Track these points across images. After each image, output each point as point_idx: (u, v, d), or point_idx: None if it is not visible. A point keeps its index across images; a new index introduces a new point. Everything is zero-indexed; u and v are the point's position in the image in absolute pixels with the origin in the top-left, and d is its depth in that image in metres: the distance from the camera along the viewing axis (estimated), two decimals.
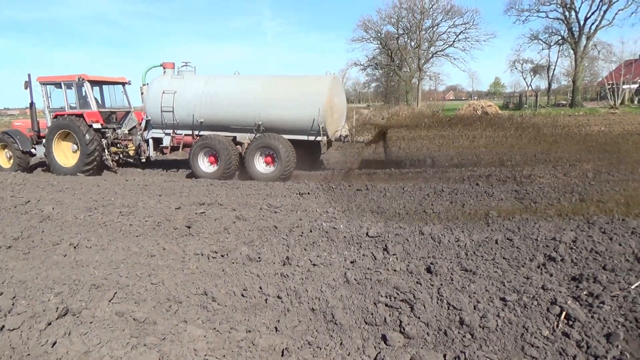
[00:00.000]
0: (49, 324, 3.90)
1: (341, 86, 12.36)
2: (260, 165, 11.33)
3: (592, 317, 3.55)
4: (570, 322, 3.50)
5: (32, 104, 13.29)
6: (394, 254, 5.25)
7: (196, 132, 12.16)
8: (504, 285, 4.21)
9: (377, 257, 5.20)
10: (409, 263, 4.95)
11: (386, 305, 3.96)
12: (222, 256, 5.44)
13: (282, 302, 4.16)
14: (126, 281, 4.79)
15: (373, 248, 5.51)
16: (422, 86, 57.21)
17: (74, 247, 6.00)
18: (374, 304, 4.00)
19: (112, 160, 13.32)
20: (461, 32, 52.07)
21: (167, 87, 12.13)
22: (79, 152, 12.69)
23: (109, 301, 4.32)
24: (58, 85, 13.21)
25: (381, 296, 4.12)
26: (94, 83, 13.22)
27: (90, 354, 3.44)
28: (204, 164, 11.78)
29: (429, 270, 4.71)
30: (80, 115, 12.57)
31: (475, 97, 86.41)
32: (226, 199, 8.69)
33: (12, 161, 13.72)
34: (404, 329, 3.56)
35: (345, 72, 77.96)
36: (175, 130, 12.37)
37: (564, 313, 3.60)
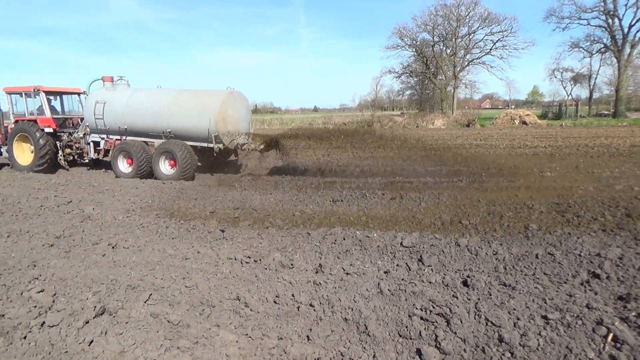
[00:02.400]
0: (87, 322, 3.99)
1: (240, 101, 13.40)
2: (165, 167, 12.83)
3: None
4: (618, 345, 3.32)
5: (0, 111, 15.46)
6: (429, 266, 5.13)
7: (123, 137, 13.75)
8: (546, 303, 4.04)
9: (411, 267, 5.10)
10: (445, 275, 4.83)
11: (421, 318, 3.86)
12: (255, 261, 5.46)
13: (314, 310, 4.12)
14: (161, 283, 4.86)
15: (407, 258, 5.41)
16: (458, 94, 56.31)
17: (112, 248, 6.15)
18: (409, 316, 3.91)
19: (65, 160, 15.03)
20: (498, 39, 51.02)
21: (100, 98, 13.83)
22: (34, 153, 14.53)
23: (144, 302, 4.38)
24: (20, 94, 15.03)
25: (416, 309, 4.02)
26: (51, 93, 15.22)
27: (125, 354, 3.48)
28: (123, 165, 13.41)
29: (465, 283, 4.57)
30: (35, 121, 14.55)
31: (513, 106, 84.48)
32: (259, 204, 8.74)
33: None
34: (439, 344, 3.46)
35: (378, 80, 77.70)
36: (108, 135, 14.05)
37: (611, 335, 3.41)
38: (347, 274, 4.94)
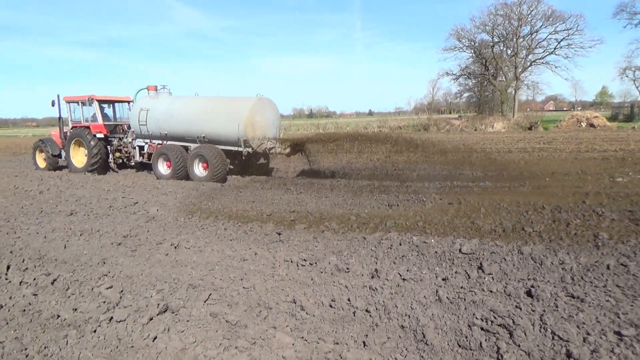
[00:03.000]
0: (151, 319, 4.16)
1: (268, 107, 13.79)
2: (199, 169, 13.48)
3: None
4: None
5: (60, 118, 16.65)
6: (489, 274, 4.95)
7: (164, 142, 14.73)
8: (619, 317, 3.78)
9: (471, 275, 4.93)
10: (507, 284, 4.63)
11: (482, 328, 3.72)
12: (311, 264, 5.48)
13: (370, 316, 4.07)
14: (220, 283, 4.99)
15: (467, 266, 5.24)
16: (519, 96, 54.04)
17: (175, 248, 6.39)
18: (469, 326, 3.77)
19: (115, 163, 16.30)
20: (563, 38, 48.48)
21: (144, 106, 14.90)
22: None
23: (204, 302, 4.51)
24: (77, 103, 16.47)
25: (476, 318, 3.88)
26: (103, 102, 16.61)
27: (186, 351, 3.60)
28: (163, 168, 14.27)
29: (529, 294, 4.36)
30: (88, 127, 15.82)
31: (579, 108, 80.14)
32: (315, 208, 8.79)
33: (45, 162, 17.40)
34: (501, 357, 3.31)
35: (435, 82, 76.12)
36: (151, 140, 15.11)
37: None
38: (404, 279, 4.86)
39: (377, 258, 5.66)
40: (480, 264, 5.18)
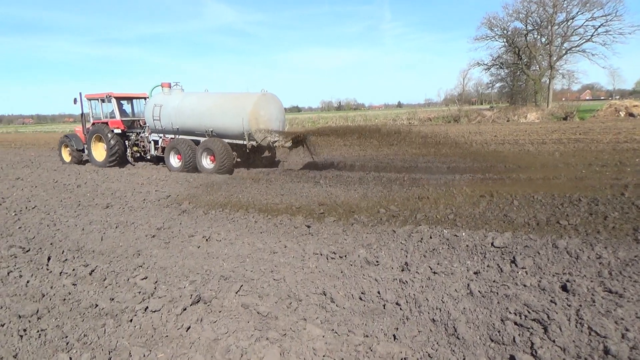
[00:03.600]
0: (184, 309, 4.25)
1: (272, 102, 14.21)
2: (206, 162, 14.22)
3: None
4: None
5: (82, 114, 17.61)
6: (523, 268, 4.85)
7: (176, 136, 15.36)
8: None
9: (503, 269, 4.85)
10: (541, 279, 4.53)
11: (515, 323, 3.65)
12: (341, 257, 5.49)
13: (400, 309, 4.06)
14: (251, 275, 5.06)
15: (499, 259, 5.15)
16: (554, 85, 52.36)
17: (206, 240, 6.51)
18: (501, 320, 3.71)
19: (132, 157, 17.15)
20: (601, 25, 46.47)
21: (157, 102, 15.62)
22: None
23: (236, 293, 4.58)
24: (97, 100, 17.18)
25: (509, 313, 3.81)
26: (121, 98, 17.23)
27: (218, 341, 3.67)
28: (174, 160, 14.97)
29: (564, 288, 4.25)
30: (107, 123, 16.64)
31: (617, 97, 77.14)
32: (344, 201, 8.78)
33: (70, 156, 18.19)
34: (535, 352, 3.25)
35: (466, 73, 74.61)
36: (165, 134, 15.80)
37: None
38: (435, 273, 4.82)
39: (407, 251, 5.62)
40: (514, 257, 5.09)
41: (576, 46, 49.44)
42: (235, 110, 13.70)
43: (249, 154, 14.51)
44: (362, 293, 4.43)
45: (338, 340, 3.60)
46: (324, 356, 3.40)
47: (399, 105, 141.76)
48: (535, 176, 10.35)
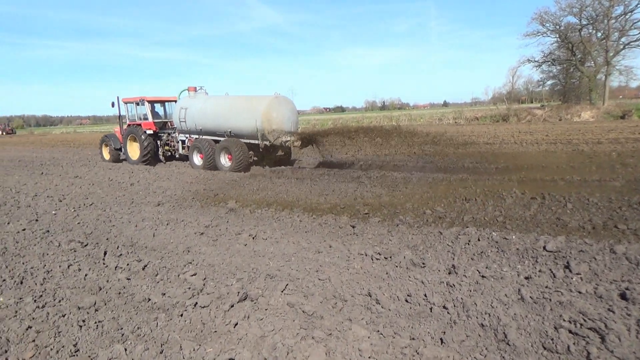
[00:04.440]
0: (232, 306, 4.35)
1: (284, 104, 14.95)
2: (225, 160, 15.04)
3: None
4: None
5: (119, 116, 19.26)
6: (577, 274, 4.64)
7: (200, 136, 16.33)
8: None
9: (556, 275, 4.66)
10: (597, 286, 4.32)
11: (570, 331, 3.51)
12: (386, 258, 5.45)
13: (448, 313, 3.98)
14: (296, 274, 5.11)
15: (552, 264, 4.96)
16: (610, 82, 49.72)
17: (253, 238, 6.63)
18: (555, 328, 3.57)
19: (164, 156, 18.32)
20: None
21: (183, 105, 16.79)
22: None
23: (282, 291, 4.64)
24: (132, 103, 18.51)
25: (563, 320, 3.66)
26: (154, 102, 18.61)
27: (265, 338, 3.73)
28: (197, 159, 16.03)
29: (623, 296, 4.04)
30: (139, 125, 18.05)
31: None
32: (389, 201, 8.71)
33: (110, 155, 19.57)
34: None
35: (515, 70, 72.15)
36: (190, 135, 16.90)
37: None
38: (483, 277, 4.70)
39: (454, 254, 5.51)
40: (567, 262, 4.88)
41: (635, 40, 46.62)
42: (249, 112, 14.57)
43: (263, 153, 15.29)
44: (408, 295, 4.38)
45: (384, 342, 3.58)
46: (369, 358, 3.39)
47: (445, 104, 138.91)
48: (591, 178, 9.89)
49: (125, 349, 3.61)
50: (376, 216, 7.54)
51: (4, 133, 70.79)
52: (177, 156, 18.23)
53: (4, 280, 5.31)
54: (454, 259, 5.35)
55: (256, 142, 14.65)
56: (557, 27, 50.07)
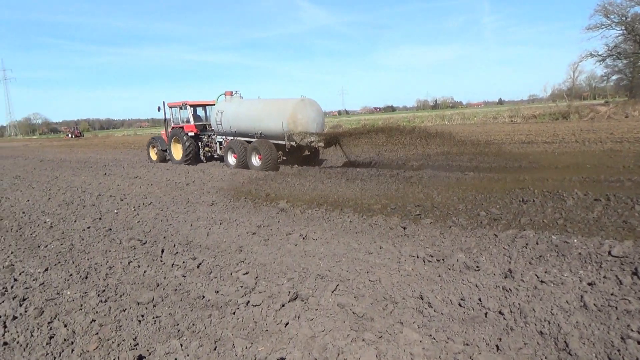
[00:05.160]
0: (283, 305, 4.39)
1: (310, 106, 15.57)
2: (255, 160, 15.99)
3: None
4: None
5: (165, 120, 20.41)
6: None
7: (234, 138, 17.35)
8: None
9: (623, 281, 4.38)
10: None
11: (638, 342, 3.28)
12: (438, 261, 5.33)
13: (504, 318, 3.83)
14: (347, 275, 5.09)
15: (618, 270, 4.67)
16: None
17: (303, 238, 6.67)
18: (621, 338, 3.35)
19: (204, 156, 19.66)
20: None
21: (220, 108, 17.89)
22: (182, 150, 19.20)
23: (332, 292, 4.64)
24: (176, 107, 20.02)
25: (631, 330, 3.43)
26: (195, 106, 19.95)
27: (315, 339, 3.74)
28: (231, 158, 17.13)
29: None
30: (182, 127, 19.42)
31: None
32: (441, 202, 8.52)
33: (157, 155, 21.06)
34: None
35: (576, 65, 68.53)
36: (226, 136, 18.08)
37: None
38: (542, 282, 4.49)
39: (511, 257, 5.31)
40: (635, 269, 4.58)
41: None
42: (277, 114, 15.43)
43: (290, 153, 15.99)
44: (461, 299, 4.26)
45: (436, 346, 3.50)
46: None
47: (500, 102, 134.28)
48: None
49: (181, 345, 3.72)
50: (428, 217, 7.39)
51: (74, 136, 75.20)
52: (215, 156, 19.47)
53: (71, 275, 5.64)
54: (510, 262, 5.15)
55: (283, 142, 15.40)
56: (623, 18, 47.24)
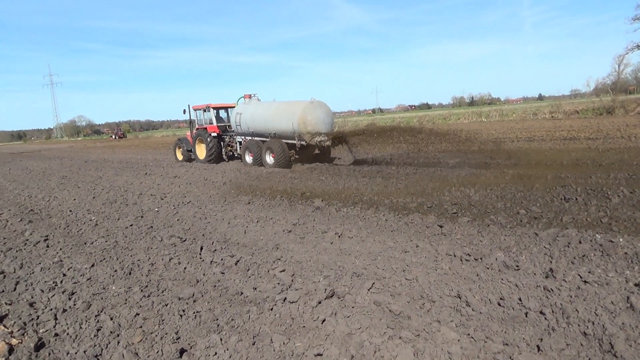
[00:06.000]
0: (319, 302, 4.44)
1: (319, 108, 16.37)
2: (269, 158, 17.02)
3: None
4: None
5: (191, 122, 21.50)
6: None
7: (252, 138, 18.41)
8: None
9: None
10: None
11: None
12: (476, 260, 5.25)
13: (545, 319, 3.75)
14: (383, 273, 5.08)
15: None
16: None
17: (339, 237, 6.70)
18: None
19: (226, 155, 20.65)
20: None
21: (239, 110, 19.09)
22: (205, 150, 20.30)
23: (368, 290, 4.64)
24: (200, 110, 21.31)
25: None
26: (218, 108, 21.26)
27: (352, 336, 3.76)
28: (248, 157, 18.28)
29: None
30: (205, 129, 20.60)
31: None
32: (479, 200, 8.38)
33: (182, 155, 22.17)
34: None
35: (622, 58, 65.73)
36: (245, 137, 19.10)
37: None
38: (585, 282, 4.35)
39: (552, 256, 5.17)
40: None
41: None
42: (287, 115, 16.43)
43: (301, 152, 17.00)
44: (500, 299, 4.19)
45: (475, 346, 3.46)
46: None
47: (540, 97, 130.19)
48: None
49: (221, 339, 3.82)
50: (465, 216, 7.28)
51: (117, 137, 77.82)
52: (237, 155, 20.43)
53: (116, 270, 5.87)
54: (551, 262, 5.02)
55: (294, 142, 16.36)
56: None
